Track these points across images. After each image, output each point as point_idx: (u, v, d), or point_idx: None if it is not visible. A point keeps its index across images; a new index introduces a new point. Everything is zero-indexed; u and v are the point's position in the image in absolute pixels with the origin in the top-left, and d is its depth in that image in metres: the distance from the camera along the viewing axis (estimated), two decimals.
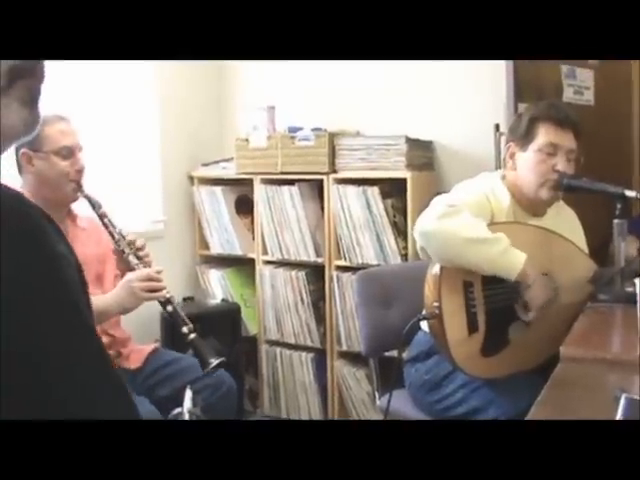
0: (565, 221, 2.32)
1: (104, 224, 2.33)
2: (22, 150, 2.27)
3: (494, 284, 2.05)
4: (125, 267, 2.31)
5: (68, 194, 2.34)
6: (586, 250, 2.31)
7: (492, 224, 2.10)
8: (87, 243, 2.42)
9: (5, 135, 0.82)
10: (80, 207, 2.46)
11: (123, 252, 2.30)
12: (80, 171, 2.33)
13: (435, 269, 2.05)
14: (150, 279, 2.25)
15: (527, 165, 2.20)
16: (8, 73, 0.80)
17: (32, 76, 0.83)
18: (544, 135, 2.17)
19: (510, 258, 1.99)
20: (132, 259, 2.29)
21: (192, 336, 2.26)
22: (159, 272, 2.31)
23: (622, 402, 1.23)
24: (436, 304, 2.01)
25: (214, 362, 2.23)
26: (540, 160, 2.17)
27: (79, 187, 2.33)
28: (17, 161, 2.29)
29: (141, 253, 2.31)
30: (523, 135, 2.21)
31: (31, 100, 0.83)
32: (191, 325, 2.28)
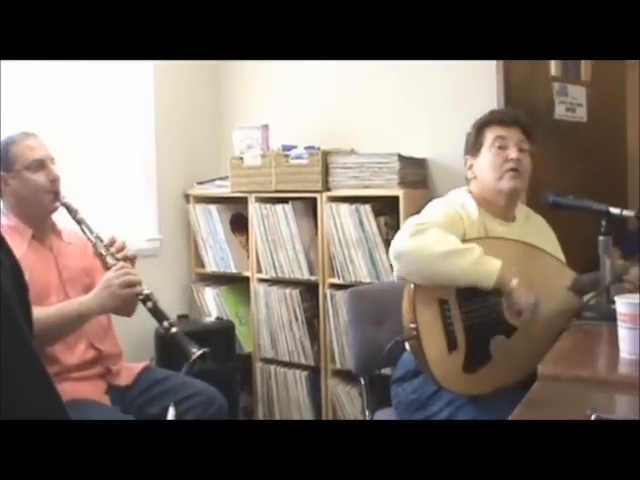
0: (535, 226, 2.36)
1: (82, 230, 2.35)
2: None
3: (470, 300, 2.06)
4: (107, 269, 2.33)
5: (47, 205, 2.36)
6: (561, 255, 2.34)
7: (464, 241, 2.12)
8: (73, 256, 2.45)
9: None
10: (65, 223, 2.48)
11: (101, 254, 2.32)
12: (54, 181, 2.35)
13: (409, 289, 2.06)
14: (126, 273, 2.26)
15: (483, 165, 2.27)
16: None
17: None
18: (491, 133, 2.26)
19: (485, 266, 2.00)
20: (110, 259, 2.31)
21: (173, 330, 2.29)
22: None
23: None
24: (413, 325, 2.02)
25: (197, 352, 2.24)
26: (493, 155, 2.24)
27: (56, 196, 2.35)
28: None
29: (119, 255, 2.33)
30: (474, 143, 2.31)
31: None
32: (172, 319, 2.33)
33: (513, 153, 2.22)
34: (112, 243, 2.35)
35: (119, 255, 2.33)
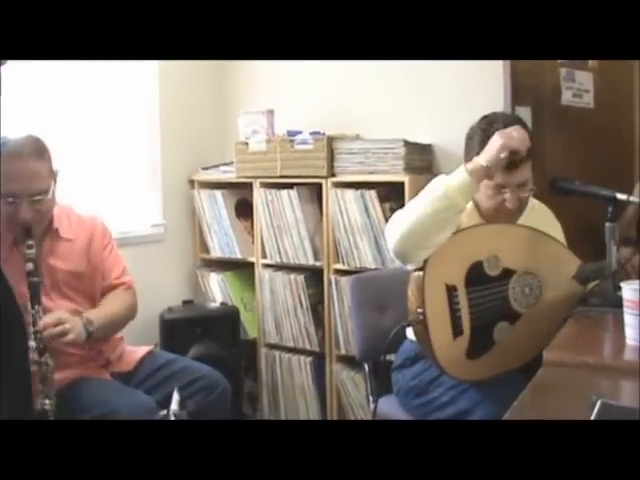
0: (537, 219, 2.27)
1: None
2: None
3: (478, 285, 2.04)
4: None
5: (17, 237, 2.25)
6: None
7: (460, 231, 2.07)
8: (66, 257, 2.37)
9: None
10: (80, 206, 2.44)
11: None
12: (24, 221, 2.20)
13: (417, 275, 2.05)
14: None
15: (480, 192, 2.16)
16: None
17: None
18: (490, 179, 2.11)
19: (457, 174, 1.98)
20: (31, 342, 2.10)
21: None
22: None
23: (597, 407, 1.22)
24: (420, 310, 2.01)
25: None
26: (489, 196, 2.15)
27: (27, 233, 2.21)
28: None
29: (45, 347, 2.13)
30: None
31: None
32: None
33: (510, 202, 2.12)
34: (40, 330, 2.12)
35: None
